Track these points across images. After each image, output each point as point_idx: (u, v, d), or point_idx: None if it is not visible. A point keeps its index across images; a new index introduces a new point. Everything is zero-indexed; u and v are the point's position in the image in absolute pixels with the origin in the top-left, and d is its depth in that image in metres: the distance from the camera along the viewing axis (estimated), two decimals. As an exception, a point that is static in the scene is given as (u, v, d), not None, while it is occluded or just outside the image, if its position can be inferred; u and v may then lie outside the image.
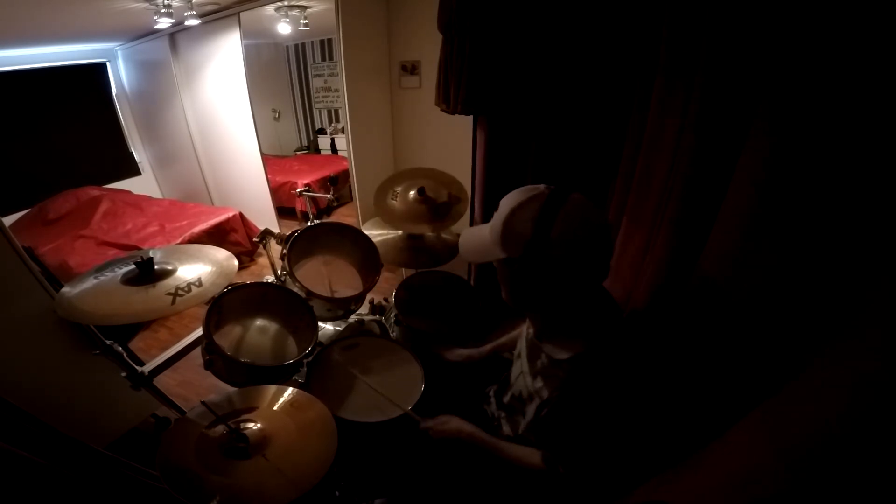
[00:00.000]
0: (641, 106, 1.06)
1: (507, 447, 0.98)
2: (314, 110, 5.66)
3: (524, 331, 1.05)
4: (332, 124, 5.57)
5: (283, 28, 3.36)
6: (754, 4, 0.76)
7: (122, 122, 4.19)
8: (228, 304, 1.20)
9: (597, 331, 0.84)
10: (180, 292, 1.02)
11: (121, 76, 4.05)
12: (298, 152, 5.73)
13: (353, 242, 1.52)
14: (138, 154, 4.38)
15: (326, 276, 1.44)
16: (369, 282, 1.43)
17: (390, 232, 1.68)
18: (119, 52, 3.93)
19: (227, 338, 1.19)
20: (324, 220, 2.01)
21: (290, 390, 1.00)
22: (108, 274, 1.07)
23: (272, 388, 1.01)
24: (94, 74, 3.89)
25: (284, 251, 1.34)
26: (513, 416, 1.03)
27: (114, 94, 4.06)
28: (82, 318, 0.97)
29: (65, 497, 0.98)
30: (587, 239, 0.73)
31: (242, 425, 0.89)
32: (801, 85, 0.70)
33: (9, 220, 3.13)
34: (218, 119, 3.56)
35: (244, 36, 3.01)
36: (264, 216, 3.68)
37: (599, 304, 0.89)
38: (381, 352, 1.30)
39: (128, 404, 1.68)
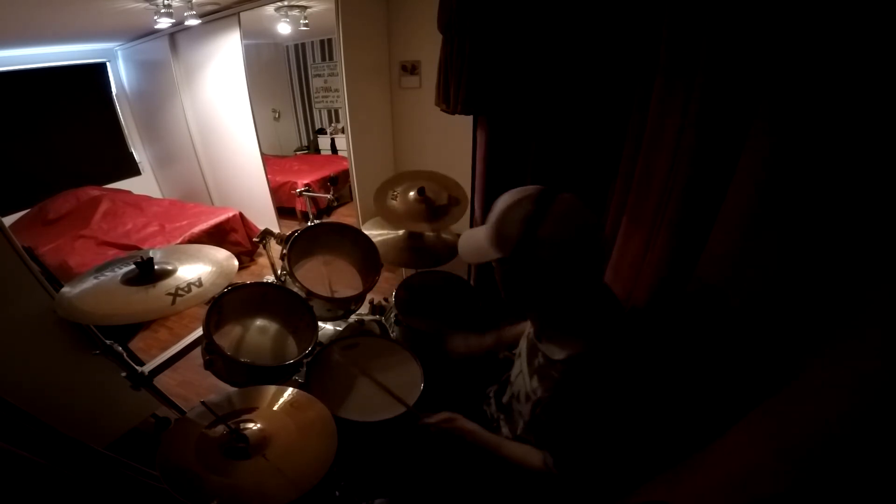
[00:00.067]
0: (641, 106, 1.06)
1: (507, 446, 0.98)
2: (314, 110, 5.66)
3: (527, 329, 1.05)
4: (332, 124, 5.57)
5: (283, 28, 3.36)
6: (754, 5, 0.76)
7: (122, 122, 4.19)
8: (228, 304, 1.20)
9: (596, 331, 0.84)
10: (180, 292, 1.02)
11: (121, 76, 4.05)
12: (298, 152, 5.73)
13: (353, 242, 1.52)
14: (138, 154, 4.38)
15: (326, 276, 1.45)
16: (369, 282, 1.43)
17: (390, 232, 1.68)
18: (119, 52, 3.93)
19: (227, 338, 1.20)
20: (324, 220, 2.01)
21: (290, 390, 1.00)
22: (108, 274, 1.07)
23: (272, 389, 1.01)
24: (94, 74, 3.89)
25: (284, 251, 1.34)
26: (512, 416, 1.03)
27: (114, 94, 4.06)
28: (82, 318, 0.97)
29: (65, 497, 0.98)
30: (576, 238, 0.74)
31: (242, 425, 0.89)
32: (801, 85, 0.70)
33: (9, 220, 3.14)
34: (218, 119, 3.56)
35: (244, 36, 3.01)
36: (264, 216, 3.68)
37: (599, 303, 0.89)
38: (381, 352, 1.30)
39: (128, 404, 1.68)
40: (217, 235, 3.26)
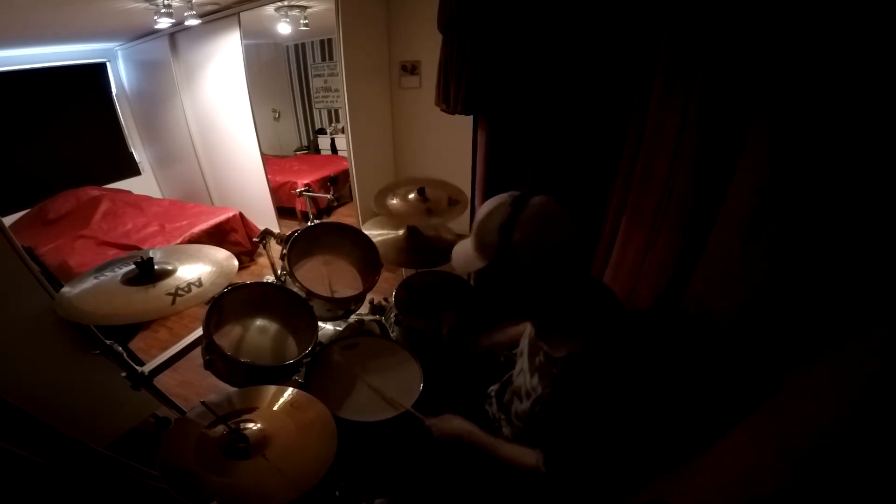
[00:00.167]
0: (641, 106, 1.06)
1: (504, 447, 0.98)
2: (314, 110, 5.66)
3: (528, 328, 1.06)
4: (332, 124, 5.57)
5: (283, 28, 3.36)
6: (754, 5, 0.76)
7: (122, 122, 4.19)
8: (228, 304, 1.20)
9: (595, 329, 0.85)
10: (180, 292, 1.02)
11: (121, 76, 4.05)
12: (298, 152, 5.73)
13: (353, 242, 1.52)
14: (138, 154, 4.38)
15: (326, 276, 1.45)
16: (369, 282, 1.43)
17: (390, 232, 1.68)
18: (119, 52, 3.93)
19: (227, 338, 1.20)
20: (324, 220, 2.01)
21: (290, 390, 1.00)
22: (108, 274, 1.07)
23: (272, 389, 1.01)
24: (94, 74, 3.89)
25: (284, 251, 1.34)
26: (512, 413, 1.04)
27: (114, 94, 4.06)
28: (82, 318, 0.97)
29: (65, 497, 0.98)
30: (547, 241, 0.75)
31: (242, 425, 0.89)
32: (801, 85, 0.70)
33: (9, 220, 3.13)
34: (218, 119, 3.56)
35: (244, 36, 3.01)
36: (264, 216, 3.68)
37: (598, 302, 0.89)
38: (381, 352, 1.30)
39: (128, 404, 1.68)
40: (217, 235, 3.26)
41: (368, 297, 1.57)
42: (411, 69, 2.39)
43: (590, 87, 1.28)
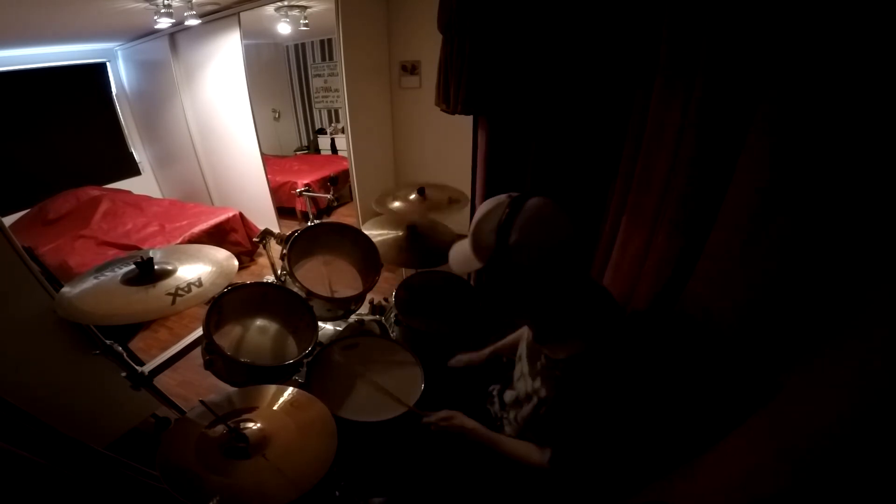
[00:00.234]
0: (641, 106, 1.06)
1: (506, 443, 0.98)
2: (314, 110, 5.66)
3: (525, 333, 1.06)
4: (332, 124, 5.57)
5: (283, 28, 3.36)
6: (754, 5, 0.76)
7: (122, 122, 4.19)
8: (228, 304, 1.20)
9: (595, 331, 0.84)
10: (180, 292, 1.02)
11: (121, 76, 4.05)
12: (298, 152, 5.72)
13: (353, 242, 1.52)
14: (138, 154, 4.38)
15: (326, 276, 1.45)
16: (369, 282, 1.43)
17: (390, 232, 1.68)
18: (119, 52, 3.93)
19: (227, 338, 1.19)
20: (324, 220, 2.01)
21: (290, 390, 1.00)
22: (108, 274, 1.07)
23: (272, 388, 1.01)
24: (94, 74, 3.89)
25: (284, 251, 1.34)
26: (514, 415, 1.04)
27: (114, 94, 4.06)
28: (82, 318, 0.97)
29: (65, 497, 0.98)
30: (544, 242, 0.75)
31: (242, 425, 0.89)
32: (801, 85, 0.70)
33: (9, 220, 3.13)
34: (218, 119, 3.56)
35: (244, 36, 3.01)
36: (264, 216, 3.68)
37: (596, 303, 0.89)
38: (382, 352, 1.30)
39: (128, 404, 1.68)
40: (217, 235, 3.25)
41: (368, 297, 1.57)
42: (411, 69, 2.39)
43: (590, 86, 1.28)
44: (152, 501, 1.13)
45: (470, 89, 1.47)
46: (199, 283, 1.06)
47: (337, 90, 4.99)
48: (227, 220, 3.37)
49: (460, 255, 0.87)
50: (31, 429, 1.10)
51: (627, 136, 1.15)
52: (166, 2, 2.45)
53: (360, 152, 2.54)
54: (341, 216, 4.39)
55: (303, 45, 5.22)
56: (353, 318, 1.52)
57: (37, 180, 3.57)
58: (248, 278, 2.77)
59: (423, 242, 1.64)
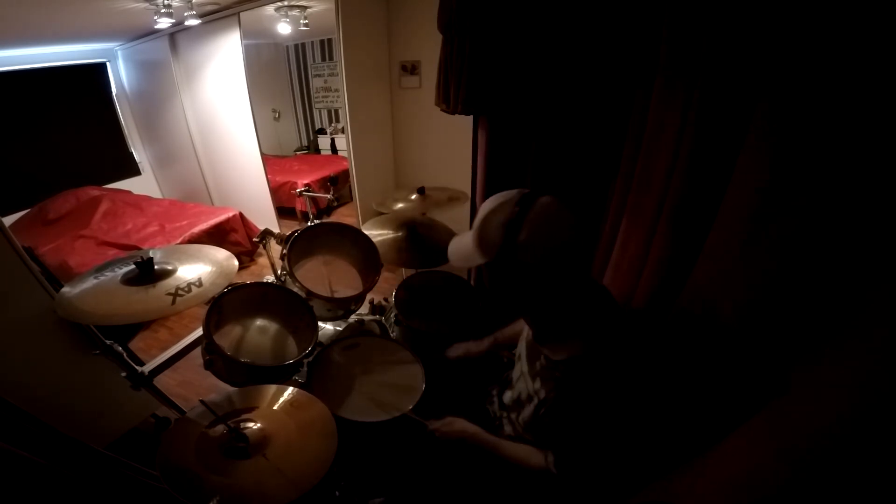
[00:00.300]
0: (641, 106, 1.06)
1: (508, 447, 0.98)
2: (314, 110, 5.66)
3: (524, 333, 1.06)
4: (332, 124, 5.57)
5: (283, 28, 3.36)
6: (754, 5, 0.76)
7: (122, 122, 4.19)
8: (228, 304, 1.20)
9: (595, 332, 0.84)
10: (180, 292, 1.02)
11: (121, 76, 4.05)
12: (298, 152, 5.72)
13: (353, 242, 1.52)
14: (138, 154, 4.38)
15: (326, 276, 1.45)
16: (369, 282, 1.43)
17: (390, 232, 1.68)
18: (119, 52, 3.93)
19: (227, 338, 1.19)
20: (324, 220, 2.01)
21: (290, 390, 1.00)
22: (108, 274, 1.07)
23: (272, 388, 1.01)
24: (94, 74, 3.89)
25: (284, 251, 1.34)
26: (514, 416, 1.04)
27: (114, 94, 4.06)
28: (82, 318, 0.97)
29: (65, 497, 0.98)
30: (555, 242, 0.75)
31: (242, 425, 0.89)
32: (801, 85, 0.70)
33: (9, 220, 3.13)
34: (218, 119, 3.56)
35: (244, 36, 3.01)
36: (264, 216, 3.68)
37: (596, 303, 0.89)
38: (382, 352, 1.30)
39: (128, 404, 1.68)
40: (217, 235, 3.25)
41: (368, 297, 1.57)
42: (411, 69, 2.39)
43: (590, 86, 1.28)
44: (152, 501, 1.13)
45: (470, 89, 1.47)
46: (199, 283, 1.06)
47: (337, 90, 4.99)
48: (227, 220, 3.37)
49: (462, 249, 0.86)
50: (31, 429, 1.10)
51: (627, 136, 1.15)
52: (166, 2, 2.44)
53: (359, 152, 2.53)
54: (341, 216, 4.39)
55: (303, 45, 5.22)
56: (353, 318, 1.52)
57: (37, 180, 3.57)
58: (248, 278, 2.77)
59: (422, 242, 1.64)
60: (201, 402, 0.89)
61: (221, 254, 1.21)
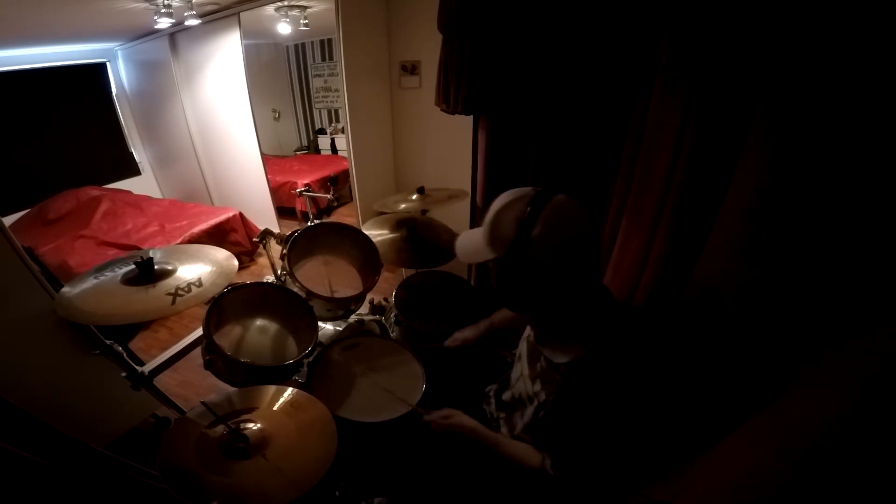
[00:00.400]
0: (641, 106, 1.06)
1: (506, 444, 0.98)
2: (314, 110, 5.66)
3: (526, 332, 1.05)
4: (332, 124, 5.57)
5: (283, 28, 3.36)
6: (754, 5, 0.76)
7: (122, 122, 4.19)
8: (228, 304, 1.20)
9: (596, 334, 0.84)
10: (180, 292, 1.02)
11: (121, 76, 4.05)
12: (298, 152, 5.72)
13: (353, 242, 1.52)
14: (138, 154, 4.38)
15: (326, 276, 1.44)
16: (369, 282, 1.43)
17: (390, 232, 1.68)
18: (119, 52, 3.93)
19: (227, 338, 1.19)
20: (324, 220, 2.01)
21: (290, 390, 1.00)
22: (108, 274, 1.07)
23: (272, 388, 1.01)
24: (94, 74, 3.89)
25: (284, 251, 1.34)
26: (511, 416, 1.03)
27: (114, 94, 4.06)
28: (82, 318, 0.97)
29: (65, 497, 0.98)
30: (570, 239, 0.74)
31: (242, 425, 0.89)
32: (801, 85, 0.70)
33: (9, 220, 3.13)
34: (218, 119, 3.56)
35: (244, 36, 3.01)
36: (264, 216, 3.68)
37: (599, 305, 0.89)
38: (382, 352, 1.30)
39: (128, 404, 1.68)
40: (217, 235, 3.25)
41: (368, 297, 1.57)
42: (411, 69, 2.39)
43: (590, 86, 1.28)
44: (152, 501, 1.13)
45: (470, 89, 1.47)
46: (199, 283, 1.06)
47: (337, 90, 4.99)
48: (227, 220, 3.37)
49: (471, 244, 0.85)
50: (31, 429, 1.10)
51: (627, 136, 1.15)
52: (166, 2, 2.44)
53: (359, 152, 2.53)
54: (341, 216, 4.39)
55: (303, 45, 5.22)
56: (353, 318, 1.52)
57: (37, 180, 3.57)
58: (248, 278, 2.77)
59: (422, 242, 1.64)
60: (202, 403, 0.89)
61: (221, 254, 1.21)
